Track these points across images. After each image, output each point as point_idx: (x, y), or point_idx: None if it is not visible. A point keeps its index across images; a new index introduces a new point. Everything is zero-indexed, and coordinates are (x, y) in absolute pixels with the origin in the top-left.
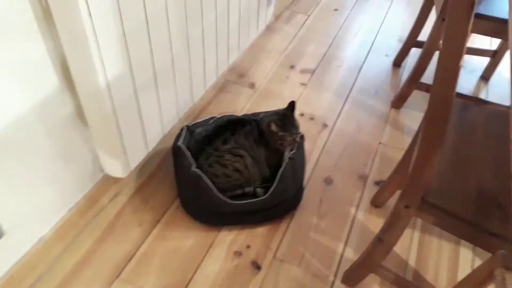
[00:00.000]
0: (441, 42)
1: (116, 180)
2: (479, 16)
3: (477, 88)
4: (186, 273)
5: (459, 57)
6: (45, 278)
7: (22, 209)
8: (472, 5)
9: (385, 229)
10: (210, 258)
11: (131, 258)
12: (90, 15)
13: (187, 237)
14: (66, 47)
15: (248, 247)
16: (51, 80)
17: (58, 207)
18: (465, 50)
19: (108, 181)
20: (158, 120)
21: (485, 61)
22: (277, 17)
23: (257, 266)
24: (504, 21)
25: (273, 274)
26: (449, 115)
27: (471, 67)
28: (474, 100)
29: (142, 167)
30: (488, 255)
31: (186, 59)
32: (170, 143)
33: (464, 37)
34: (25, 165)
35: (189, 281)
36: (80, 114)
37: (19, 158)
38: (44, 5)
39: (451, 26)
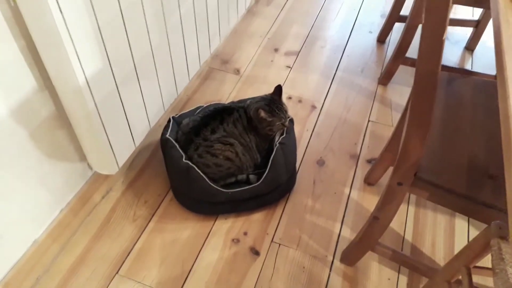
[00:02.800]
0: (423, 15)
1: (107, 176)
2: None
3: (462, 59)
4: (186, 264)
5: (442, 31)
6: (43, 280)
7: (13, 213)
8: None
9: (380, 207)
10: (208, 247)
11: (129, 253)
12: (60, 10)
13: (183, 228)
14: (39, 46)
15: (245, 233)
16: (27, 80)
17: (50, 208)
18: (447, 22)
19: (98, 178)
20: (143, 114)
21: (468, 31)
22: (257, 0)
23: (255, 252)
24: None
25: (272, 259)
26: (436, 89)
27: (455, 39)
28: (459, 72)
29: (132, 162)
30: (483, 225)
31: (166, 50)
32: (158, 135)
33: (446, 10)
34: (11, 169)
35: (189, 271)
36: (62, 113)
37: (4, 162)
38: (12, 4)
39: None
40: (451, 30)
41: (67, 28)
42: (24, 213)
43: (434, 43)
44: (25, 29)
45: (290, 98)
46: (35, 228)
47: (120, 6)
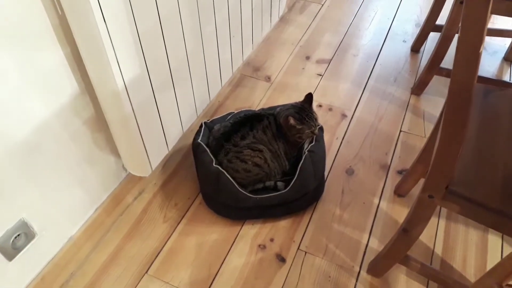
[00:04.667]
0: (460, 26)
1: (140, 178)
2: None
3: (500, 70)
4: (212, 267)
5: (479, 43)
6: (77, 276)
7: (51, 210)
8: None
9: (410, 220)
10: (235, 252)
11: (158, 254)
12: (104, 19)
13: (211, 232)
14: (83, 52)
15: (271, 240)
16: (71, 85)
17: (86, 207)
18: (485, 34)
19: (132, 180)
20: (177, 119)
21: (507, 42)
22: (290, 8)
23: (281, 259)
24: None
25: (298, 266)
26: (471, 102)
27: (493, 49)
28: (497, 83)
29: (164, 165)
30: None
31: (201, 57)
32: (190, 140)
33: (483, 22)
34: (51, 169)
35: (216, 274)
36: (100, 116)
37: (46, 162)
38: (60, 12)
39: (470, 10)
40: (489, 40)
41: (109, 36)
42: (62, 211)
43: (470, 55)
44: (70, 37)
45: (320, 106)
46: (71, 226)
47: (159, 16)
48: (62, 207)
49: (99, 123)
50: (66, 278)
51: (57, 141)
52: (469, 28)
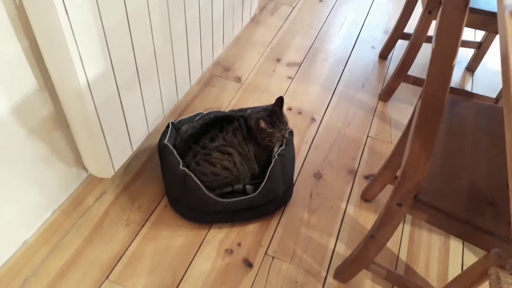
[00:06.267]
0: (428, 35)
1: (102, 179)
2: None
3: (463, 79)
4: (177, 272)
5: (453, 56)
6: (31, 282)
7: (4, 212)
8: (466, 5)
9: (378, 227)
10: (201, 256)
11: (120, 258)
12: (66, 12)
13: (176, 236)
14: (42, 46)
15: (239, 244)
16: (28, 80)
17: (42, 209)
18: (458, 48)
19: (93, 181)
20: (143, 118)
21: (470, 52)
22: (261, 9)
23: (248, 264)
24: (490, 14)
25: (265, 271)
26: (442, 113)
27: (457, 59)
28: (461, 93)
29: (128, 166)
30: (477, 248)
31: (170, 55)
32: (156, 140)
33: (458, 36)
34: (6, 167)
35: (180, 280)
36: (61, 114)
37: (0, 160)
38: (18, 2)
39: (445, 23)
40: None
41: (72, 29)
42: (16, 213)
43: (444, 67)
44: (29, 29)
45: (290, 109)
46: (26, 229)
47: (126, 11)
48: (16, 209)
49: (59, 121)
50: (19, 284)
51: (12, 138)
52: (444, 41)
